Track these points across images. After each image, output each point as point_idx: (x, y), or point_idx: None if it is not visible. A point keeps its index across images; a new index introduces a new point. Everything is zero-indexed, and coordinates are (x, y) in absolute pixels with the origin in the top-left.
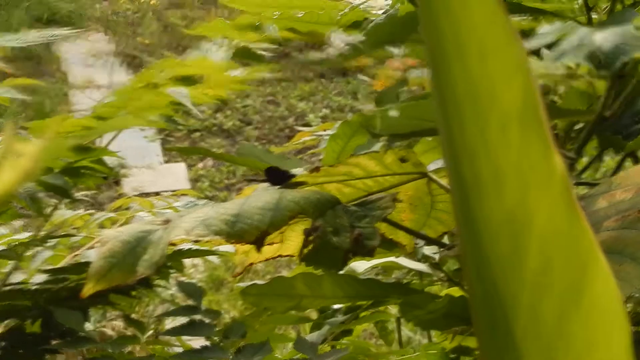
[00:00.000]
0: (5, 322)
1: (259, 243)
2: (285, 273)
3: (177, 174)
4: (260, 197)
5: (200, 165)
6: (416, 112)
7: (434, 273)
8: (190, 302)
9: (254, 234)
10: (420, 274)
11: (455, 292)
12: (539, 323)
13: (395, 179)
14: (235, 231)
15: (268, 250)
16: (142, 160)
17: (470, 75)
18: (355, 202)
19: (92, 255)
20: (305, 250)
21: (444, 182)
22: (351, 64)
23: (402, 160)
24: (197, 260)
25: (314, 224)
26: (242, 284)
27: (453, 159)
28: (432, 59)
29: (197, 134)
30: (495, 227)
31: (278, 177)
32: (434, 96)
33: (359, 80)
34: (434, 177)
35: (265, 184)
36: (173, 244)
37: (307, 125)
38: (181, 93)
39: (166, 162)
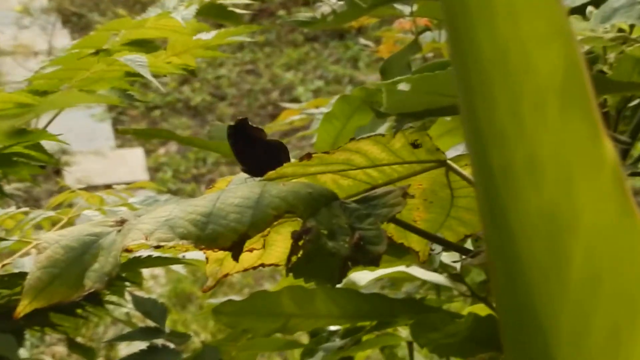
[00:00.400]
0: None
1: (236, 249)
2: (267, 286)
3: (133, 162)
4: (237, 191)
5: (161, 150)
6: (432, 85)
7: (454, 286)
8: (150, 322)
9: (230, 237)
10: (437, 287)
11: (481, 310)
12: (586, 348)
13: (405, 169)
14: (206, 234)
15: (247, 258)
16: (89, 144)
17: (498, 39)
18: (356, 198)
19: (28, 264)
20: (294, 258)
21: (466, 172)
22: (350, 24)
23: (414, 145)
24: (158, 270)
25: (304, 224)
26: (215, 300)
27: (478, 144)
28: (451, 18)
29: (158, 111)
30: (530, 229)
31: (247, 137)
32: (454, 66)
33: (360, 44)
34: (454, 166)
35: (244, 175)
36: (129, 251)
37: (296, 101)
38: (139, 61)
39: (119, 147)
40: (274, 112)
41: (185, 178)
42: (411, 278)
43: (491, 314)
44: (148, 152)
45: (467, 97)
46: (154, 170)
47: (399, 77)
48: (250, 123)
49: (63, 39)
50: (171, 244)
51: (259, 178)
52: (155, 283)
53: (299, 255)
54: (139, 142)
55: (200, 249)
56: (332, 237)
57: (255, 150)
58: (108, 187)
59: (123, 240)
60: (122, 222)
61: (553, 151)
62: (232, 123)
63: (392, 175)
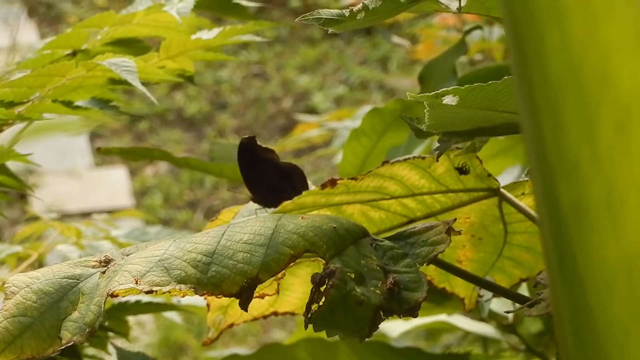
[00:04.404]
0: None
1: (244, 296)
2: (277, 335)
3: (114, 184)
4: (246, 225)
5: (149, 171)
6: (485, 99)
7: (504, 338)
8: None
9: (238, 282)
10: (483, 340)
11: None
12: None
13: (449, 199)
14: (209, 278)
15: (257, 306)
16: (61, 162)
17: (571, 46)
18: (390, 234)
19: None
20: (315, 307)
21: (523, 203)
22: None
23: (461, 170)
24: (146, 315)
25: (327, 266)
26: (214, 353)
27: (544, 174)
28: (512, 19)
29: (145, 123)
30: (607, 279)
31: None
32: (516, 78)
33: (391, 42)
34: (509, 195)
35: (253, 205)
36: (114, 296)
37: (313, 111)
38: (125, 66)
39: (97, 165)
40: (286, 124)
41: (179, 204)
42: (451, 328)
43: None
44: (133, 172)
45: (531, 117)
46: (140, 194)
47: (444, 89)
48: (258, 142)
49: (29, 34)
50: (166, 289)
51: (272, 209)
52: (141, 330)
53: (321, 304)
54: (122, 160)
55: (201, 295)
56: (360, 282)
57: (266, 176)
58: (85, 214)
59: (108, 284)
60: (106, 262)
61: (636, 183)
62: (238, 140)
63: (433, 206)
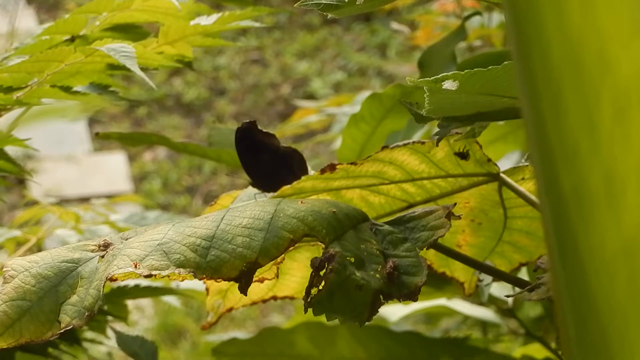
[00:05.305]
0: None
1: (244, 280)
2: (276, 320)
3: (113, 170)
4: (245, 210)
5: (147, 156)
6: (485, 84)
7: (503, 323)
8: None
9: (237, 266)
10: (482, 324)
11: (536, 351)
12: None
13: (449, 184)
14: (208, 262)
15: (256, 290)
16: (59, 148)
17: (570, 32)
18: (390, 219)
19: None
20: (314, 291)
21: (523, 188)
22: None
23: (461, 155)
24: (145, 300)
25: (327, 250)
26: (212, 337)
27: (544, 159)
28: (512, 3)
29: (143, 109)
30: (607, 264)
31: (255, 145)
32: (516, 63)
33: (390, 29)
34: (509, 180)
35: (252, 190)
36: (113, 280)
37: (311, 97)
38: (124, 52)
39: (96, 151)
40: (284, 110)
41: (177, 189)
42: (451, 313)
43: (549, 357)
44: (131, 158)
45: (531, 103)
46: (139, 179)
47: (444, 74)
48: (259, 127)
49: (27, 20)
50: (166, 272)
51: (271, 194)
52: (140, 315)
53: (320, 288)
54: (120, 145)
55: (201, 279)
56: (360, 266)
57: (266, 160)
58: (83, 200)
59: (107, 268)
60: (105, 246)
61: (635, 171)
62: (236, 126)
63: (433, 191)
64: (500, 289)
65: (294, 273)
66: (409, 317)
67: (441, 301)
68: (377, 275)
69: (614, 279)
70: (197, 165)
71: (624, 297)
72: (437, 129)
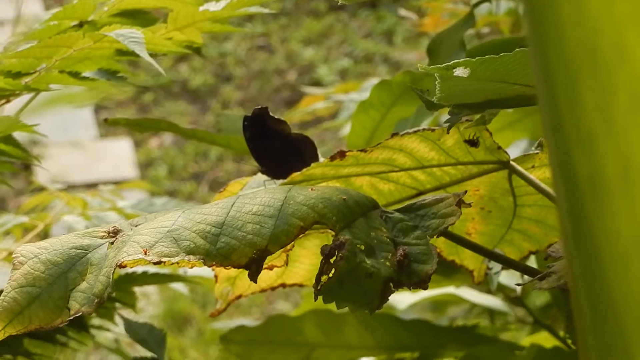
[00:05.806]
0: None
1: (254, 267)
2: (282, 307)
3: (119, 156)
4: (255, 197)
5: (153, 142)
6: (497, 71)
7: (511, 311)
8: (144, 352)
9: (247, 253)
10: (490, 312)
11: (545, 340)
12: None
13: (459, 171)
14: (218, 249)
15: (265, 277)
16: (65, 134)
17: (586, 18)
18: (400, 206)
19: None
20: (324, 279)
21: (533, 176)
22: None
23: (471, 142)
24: (151, 287)
25: (337, 238)
26: (219, 324)
27: (560, 147)
28: None
29: (149, 95)
30: (622, 253)
31: (266, 131)
32: (531, 50)
33: (397, 15)
34: (519, 168)
35: (262, 177)
36: (122, 267)
37: (317, 83)
38: (133, 37)
39: (102, 137)
40: (290, 97)
41: (183, 176)
42: (458, 301)
43: (558, 345)
44: (137, 144)
45: (546, 90)
46: (145, 165)
47: (455, 60)
48: (270, 113)
49: (34, 6)
50: (175, 259)
51: (281, 181)
52: (146, 301)
53: (330, 275)
54: (126, 131)
55: (210, 266)
56: (370, 254)
57: (276, 147)
58: (89, 185)
59: (117, 255)
60: (115, 233)
61: None
62: (245, 113)
63: (443, 178)
64: (508, 278)
65: (303, 260)
66: (416, 305)
67: (449, 289)
68: (387, 263)
69: (629, 265)
70: (203, 151)
71: (639, 284)
72: (446, 117)
